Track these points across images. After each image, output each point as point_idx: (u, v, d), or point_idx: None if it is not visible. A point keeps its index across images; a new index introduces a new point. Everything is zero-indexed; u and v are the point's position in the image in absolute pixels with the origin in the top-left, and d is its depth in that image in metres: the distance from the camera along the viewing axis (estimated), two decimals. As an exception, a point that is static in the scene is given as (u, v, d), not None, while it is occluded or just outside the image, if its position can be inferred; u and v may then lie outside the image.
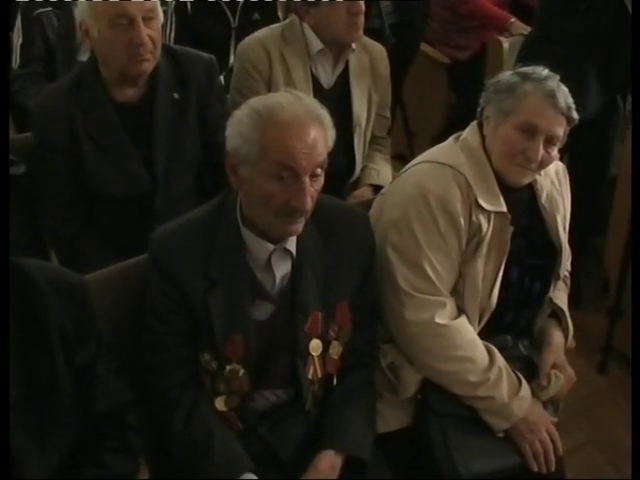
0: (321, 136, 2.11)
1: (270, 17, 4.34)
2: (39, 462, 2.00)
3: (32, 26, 3.88)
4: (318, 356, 2.31)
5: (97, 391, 2.13)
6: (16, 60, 3.90)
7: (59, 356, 2.04)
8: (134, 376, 2.24)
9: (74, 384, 2.08)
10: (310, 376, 2.31)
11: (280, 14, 4.54)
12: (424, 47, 5.27)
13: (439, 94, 5.36)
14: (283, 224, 2.14)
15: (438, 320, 2.41)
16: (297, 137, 2.06)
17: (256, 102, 2.15)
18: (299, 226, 2.17)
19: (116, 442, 2.15)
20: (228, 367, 2.23)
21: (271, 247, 2.21)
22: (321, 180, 2.15)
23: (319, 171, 2.12)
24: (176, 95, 2.96)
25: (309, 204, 2.11)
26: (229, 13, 4.27)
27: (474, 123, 2.58)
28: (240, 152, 2.11)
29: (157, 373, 2.25)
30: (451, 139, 2.60)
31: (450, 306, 2.45)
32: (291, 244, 2.24)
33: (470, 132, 2.56)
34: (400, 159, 4.37)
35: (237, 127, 2.12)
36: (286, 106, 2.09)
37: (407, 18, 5.03)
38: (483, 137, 2.52)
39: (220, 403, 2.27)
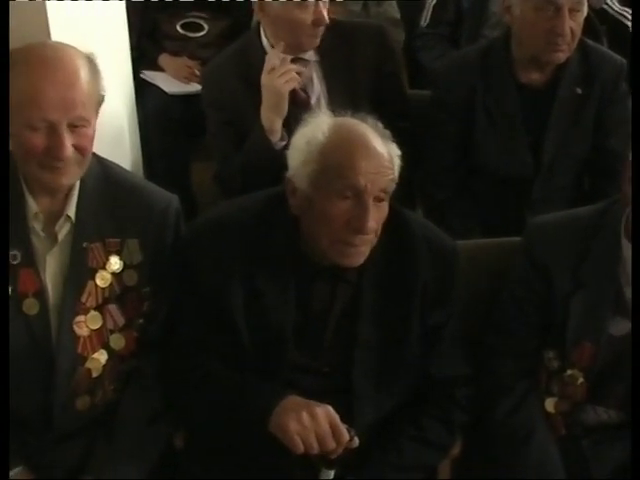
0: None
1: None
2: (374, 405, 2.09)
3: None
4: (663, 390, 2.21)
5: (436, 355, 2.18)
6: (426, 19, 3.99)
7: (416, 311, 2.12)
8: (473, 353, 2.26)
9: (419, 342, 2.14)
10: (649, 407, 2.22)
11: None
12: None
13: None
14: None
15: None
16: None
17: None
18: None
19: (439, 411, 2.18)
20: (569, 371, 2.19)
21: None
22: None
23: None
24: (579, 90, 2.93)
25: None
26: None
27: None
28: None
29: (497, 355, 2.26)
30: None
31: None
32: None
33: None
34: None
35: None
36: None
37: None
38: None
39: (550, 405, 2.24)
